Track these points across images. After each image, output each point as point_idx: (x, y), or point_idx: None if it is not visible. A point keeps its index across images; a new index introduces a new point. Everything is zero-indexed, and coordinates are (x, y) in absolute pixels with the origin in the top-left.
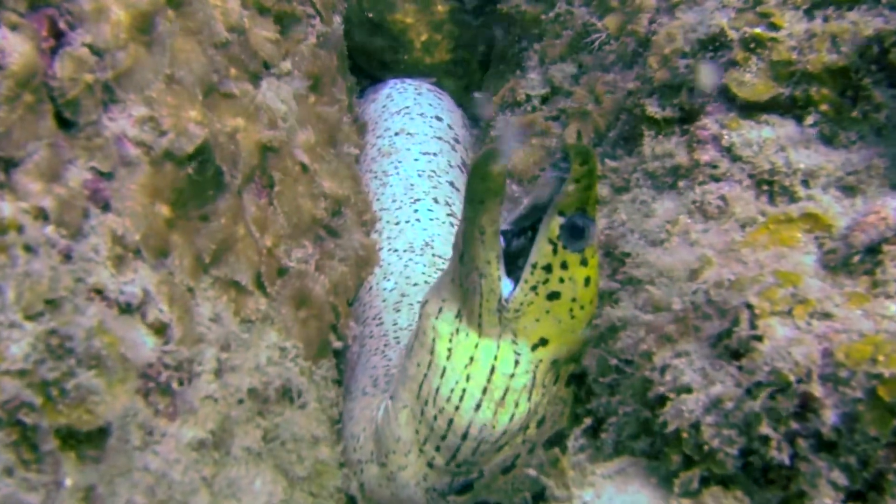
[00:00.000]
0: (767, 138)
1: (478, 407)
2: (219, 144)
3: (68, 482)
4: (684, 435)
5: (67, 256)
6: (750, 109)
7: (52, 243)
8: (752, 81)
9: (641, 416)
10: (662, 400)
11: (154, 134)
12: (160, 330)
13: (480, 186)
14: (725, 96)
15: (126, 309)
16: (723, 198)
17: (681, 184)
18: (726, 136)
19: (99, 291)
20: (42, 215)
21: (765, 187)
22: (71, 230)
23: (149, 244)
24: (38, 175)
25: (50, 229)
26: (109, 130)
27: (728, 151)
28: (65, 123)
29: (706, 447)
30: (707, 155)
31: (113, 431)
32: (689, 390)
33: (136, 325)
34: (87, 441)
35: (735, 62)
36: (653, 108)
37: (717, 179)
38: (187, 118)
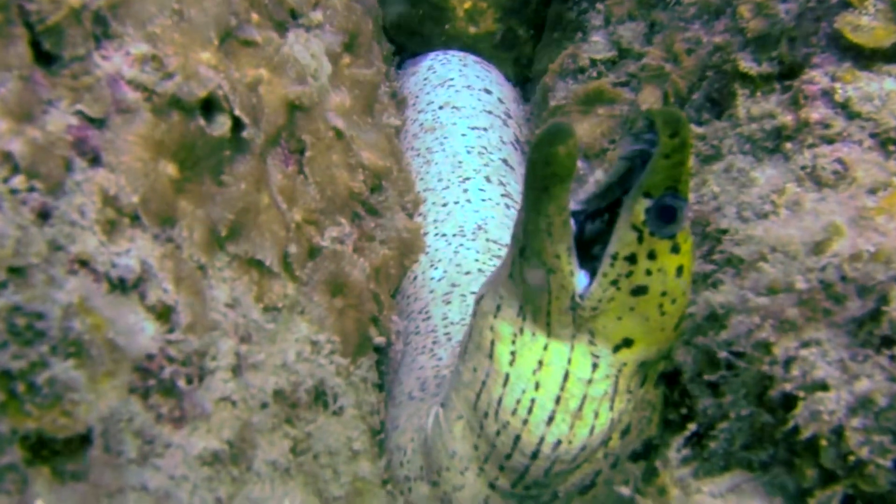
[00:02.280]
0: (891, 91)
1: (550, 420)
2: (237, 95)
3: None
4: (823, 443)
5: (43, 216)
6: (867, 58)
7: (21, 198)
8: (871, 25)
9: (759, 420)
10: (788, 400)
11: (157, 76)
12: (163, 314)
13: (544, 171)
14: (836, 44)
15: (119, 285)
16: (840, 161)
17: (787, 147)
18: (840, 91)
19: (83, 262)
20: (8, 161)
21: (892, 147)
22: (48, 184)
23: (150, 209)
24: (4, 111)
25: (19, 180)
26: (101, 70)
27: (843, 108)
28: (45, 58)
29: (852, 458)
30: (817, 113)
31: (97, 439)
32: (825, 387)
33: (131, 306)
34: (64, 452)
35: (848, 3)
36: (747, 64)
37: (830, 141)
38: (198, 60)
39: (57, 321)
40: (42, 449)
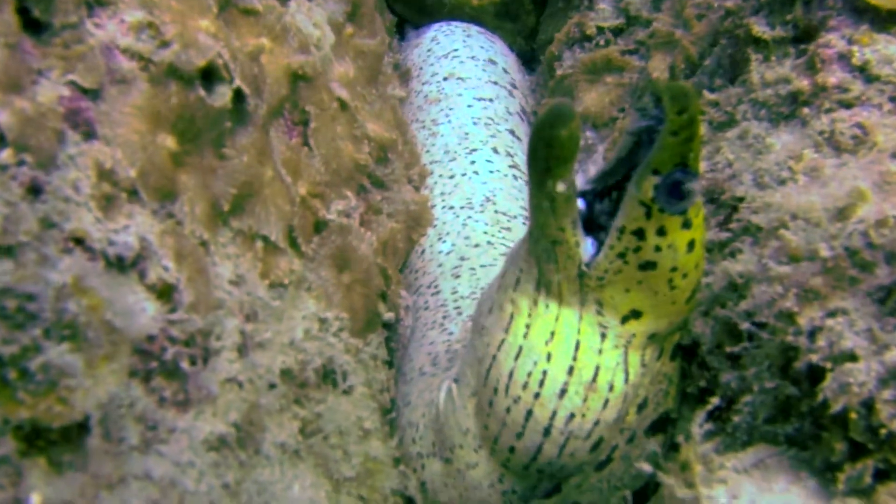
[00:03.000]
0: None
1: (563, 392)
2: (238, 64)
3: (35, 499)
4: (852, 415)
5: (34, 191)
6: (885, 20)
7: (10, 172)
8: None
9: (784, 392)
10: (814, 371)
11: (154, 44)
12: (164, 293)
13: (546, 153)
14: (853, 6)
15: (117, 264)
16: (859, 125)
17: (803, 112)
18: (858, 54)
19: (78, 240)
20: None
21: None
22: (39, 157)
23: (148, 183)
24: None
25: (7, 154)
26: (95, 38)
27: (861, 71)
28: (34, 26)
29: (883, 430)
30: (834, 77)
31: (95, 427)
32: (853, 358)
33: (130, 286)
34: (60, 442)
35: None
36: (760, 28)
37: (848, 105)
38: (196, 27)
39: (50, 303)
40: (37, 439)
